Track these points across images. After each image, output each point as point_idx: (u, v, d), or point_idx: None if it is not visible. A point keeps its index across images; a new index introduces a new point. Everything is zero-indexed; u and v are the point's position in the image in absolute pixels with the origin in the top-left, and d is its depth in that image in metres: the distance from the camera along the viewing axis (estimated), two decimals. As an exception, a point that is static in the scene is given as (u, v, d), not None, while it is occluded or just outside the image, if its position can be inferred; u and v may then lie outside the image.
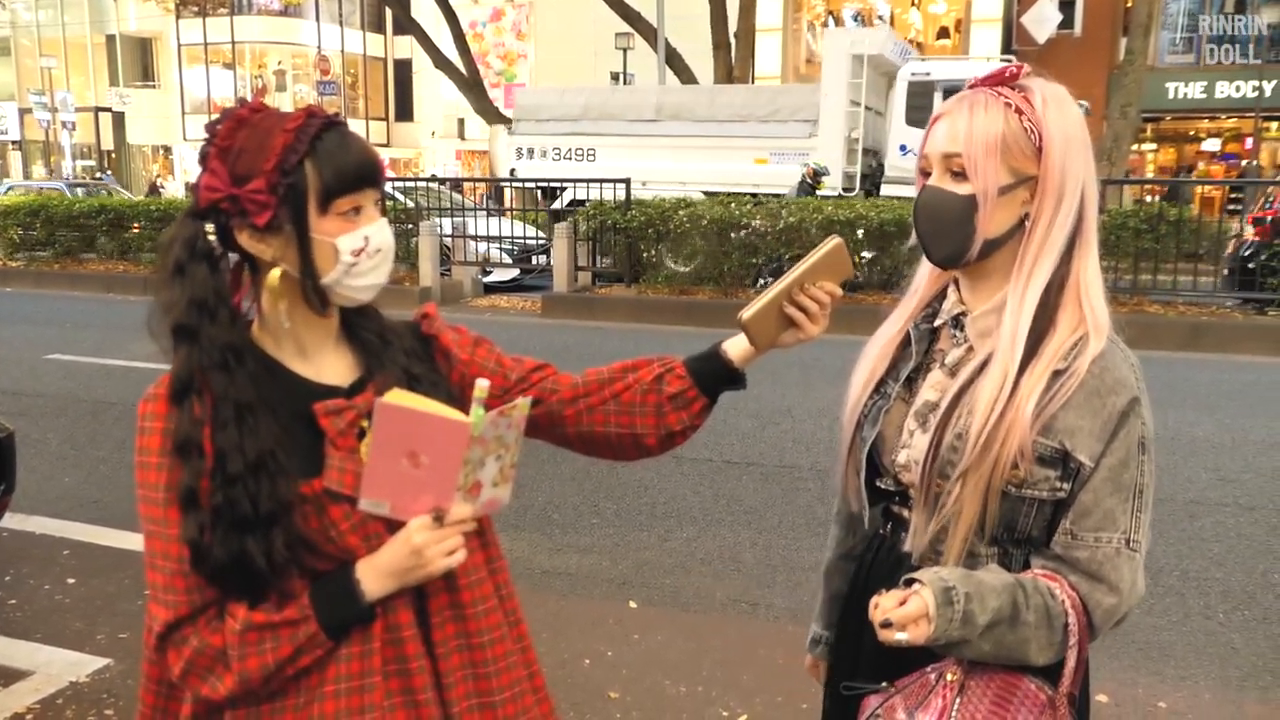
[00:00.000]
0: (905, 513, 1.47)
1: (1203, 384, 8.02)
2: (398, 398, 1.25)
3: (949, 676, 1.32)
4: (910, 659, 1.35)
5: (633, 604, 4.05)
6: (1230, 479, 5.56)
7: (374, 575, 1.25)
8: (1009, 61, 1.61)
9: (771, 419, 6.89)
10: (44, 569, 4.35)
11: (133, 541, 4.53)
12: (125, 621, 3.83)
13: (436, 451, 1.21)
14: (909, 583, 1.28)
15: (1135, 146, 20.23)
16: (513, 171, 17.54)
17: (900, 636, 1.23)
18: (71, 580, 4.24)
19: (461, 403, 1.28)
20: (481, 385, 1.22)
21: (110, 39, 41.81)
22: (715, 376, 1.47)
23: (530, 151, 17.80)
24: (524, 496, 5.15)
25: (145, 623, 1.30)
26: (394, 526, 1.27)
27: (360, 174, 1.27)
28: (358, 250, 1.27)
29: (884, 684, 1.38)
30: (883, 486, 1.50)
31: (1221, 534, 4.76)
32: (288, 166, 1.23)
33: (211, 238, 1.29)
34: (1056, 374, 1.33)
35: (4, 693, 3.32)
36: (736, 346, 1.48)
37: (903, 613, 1.23)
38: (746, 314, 1.42)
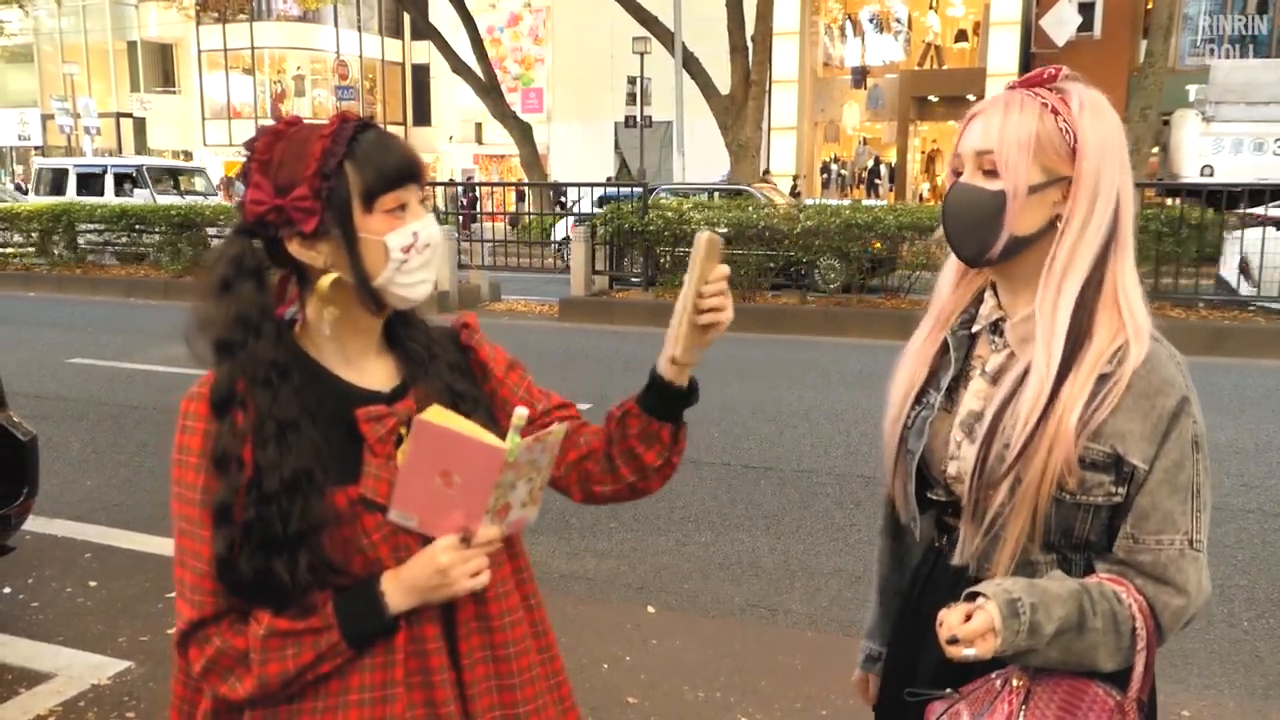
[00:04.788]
0: (959, 524, 1.45)
1: (1226, 389, 7.94)
2: (437, 416, 1.24)
3: (1015, 682, 1.31)
4: (972, 666, 1.34)
5: (651, 609, 4.04)
6: (1254, 485, 5.51)
7: (398, 590, 1.26)
8: None
9: (789, 423, 6.87)
10: (66, 572, 4.38)
11: (154, 544, 4.55)
12: (146, 624, 3.85)
13: (470, 473, 1.21)
14: (972, 596, 1.27)
15: (1155, 149, 20.07)
16: (1206, 170, 13.61)
17: (968, 652, 1.22)
18: (93, 583, 4.26)
19: (498, 421, 1.28)
20: (520, 414, 1.21)
21: (131, 45, 42.22)
22: (665, 400, 1.42)
23: (1239, 145, 13.70)
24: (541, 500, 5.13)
25: (176, 614, 1.31)
26: (425, 541, 1.28)
27: (400, 170, 1.28)
28: (407, 247, 1.27)
29: (948, 690, 1.37)
30: (934, 498, 1.49)
31: (1245, 541, 4.71)
32: (328, 170, 1.24)
33: (259, 251, 1.29)
34: (1102, 378, 1.32)
35: (26, 695, 3.34)
36: (667, 364, 1.42)
37: (969, 629, 1.22)
38: (678, 353, 1.37)
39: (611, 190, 16.34)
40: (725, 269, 1.36)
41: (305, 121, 1.30)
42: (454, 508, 1.23)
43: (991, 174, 1.35)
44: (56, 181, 20.88)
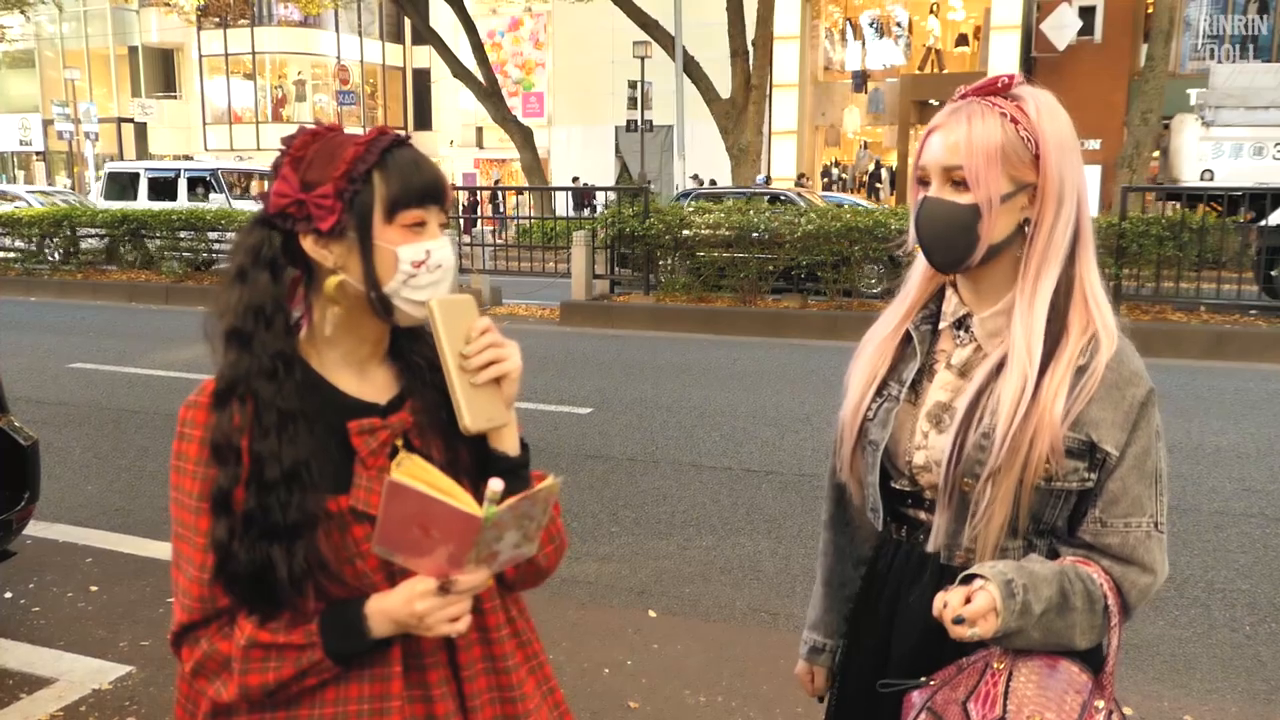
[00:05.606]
0: (920, 514, 1.49)
1: (1227, 393, 7.94)
2: (410, 473, 1.21)
3: (995, 665, 1.35)
4: (943, 655, 1.38)
5: (652, 613, 4.03)
6: (1256, 489, 5.50)
7: (381, 618, 1.25)
8: None
9: (791, 427, 6.87)
10: (67, 577, 4.37)
11: (155, 549, 4.56)
12: (147, 629, 3.85)
13: (447, 532, 1.18)
14: (967, 578, 1.31)
15: (1155, 153, 20.09)
16: (1206, 175, 13.74)
17: (973, 632, 1.26)
18: (94, 588, 4.26)
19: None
20: (494, 489, 1.17)
21: (133, 50, 42.32)
22: (500, 471, 1.32)
23: (1239, 149, 13.75)
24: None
25: (173, 614, 1.32)
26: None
27: (426, 190, 1.28)
28: (418, 262, 1.27)
29: (922, 679, 1.40)
30: (897, 487, 1.51)
31: (1247, 545, 4.71)
32: (356, 174, 1.25)
33: (277, 243, 1.29)
34: (1079, 370, 1.37)
35: (27, 700, 3.34)
36: (496, 439, 1.35)
37: (973, 609, 1.26)
38: (468, 422, 1.28)
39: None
40: (485, 321, 1.30)
41: (346, 131, 1.31)
42: (437, 551, 1.20)
43: (961, 186, 1.38)
44: (127, 186, 20.41)
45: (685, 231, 11.99)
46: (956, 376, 1.46)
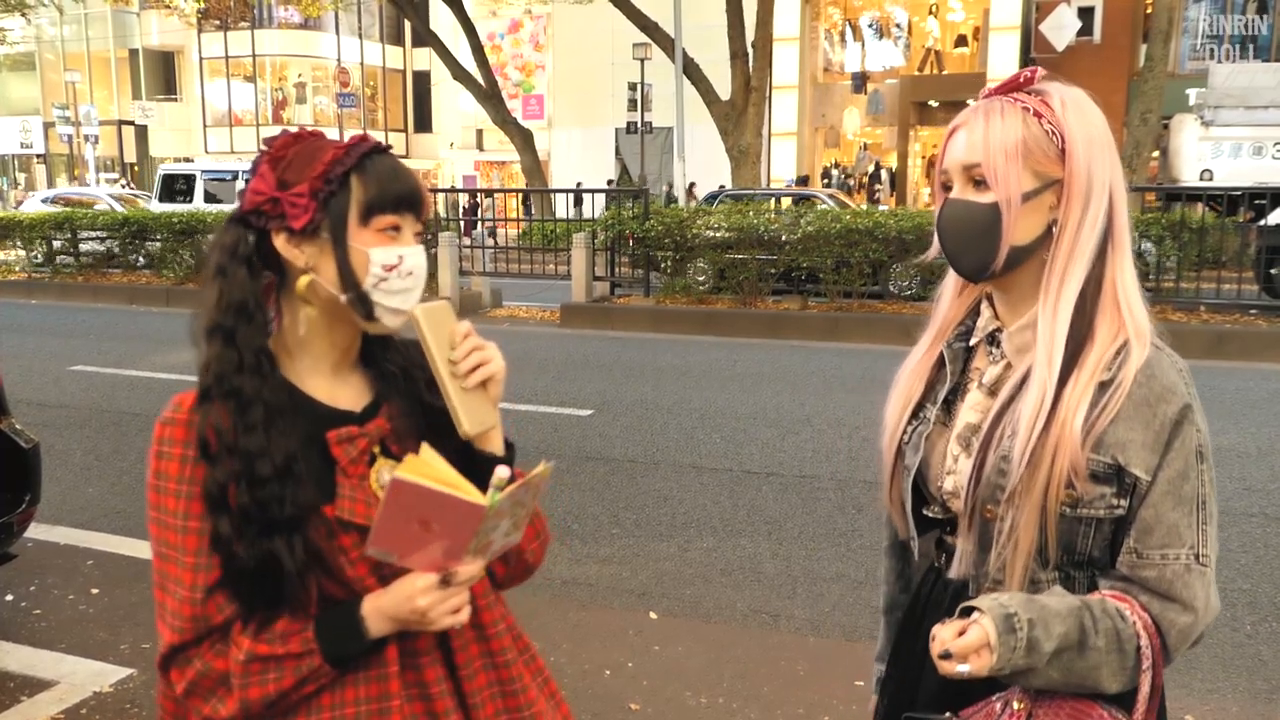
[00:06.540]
0: (957, 542, 1.41)
1: (1228, 392, 7.94)
2: (413, 470, 1.20)
3: (1015, 705, 1.26)
4: (973, 690, 1.30)
5: (653, 615, 4.03)
6: (1256, 488, 5.50)
7: (378, 617, 1.25)
8: None
9: (791, 428, 6.87)
10: (68, 579, 4.38)
11: (155, 552, 4.56)
12: (148, 631, 3.85)
13: (449, 524, 1.19)
14: (967, 611, 1.23)
15: (1155, 154, 20.09)
16: (1206, 174, 13.87)
17: (961, 669, 1.18)
18: (95, 590, 4.26)
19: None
20: (501, 475, 1.19)
21: (133, 53, 42.37)
22: (487, 469, 1.31)
23: (1238, 149, 13.90)
24: (544, 506, 5.12)
25: (158, 636, 1.30)
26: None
27: (403, 196, 1.28)
28: (390, 266, 1.27)
29: (947, 714, 1.33)
30: (931, 515, 1.45)
31: (1248, 544, 4.71)
32: (332, 176, 1.25)
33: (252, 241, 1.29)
34: (1103, 385, 1.27)
35: (28, 703, 3.34)
36: (483, 440, 1.36)
37: (963, 643, 1.18)
38: (466, 426, 1.30)
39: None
40: (465, 324, 1.31)
41: (328, 138, 1.31)
42: (434, 546, 1.21)
43: (982, 185, 1.32)
44: (182, 188, 20.15)
45: (710, 233, 11.94)
46: (986, 396, 1.38)
